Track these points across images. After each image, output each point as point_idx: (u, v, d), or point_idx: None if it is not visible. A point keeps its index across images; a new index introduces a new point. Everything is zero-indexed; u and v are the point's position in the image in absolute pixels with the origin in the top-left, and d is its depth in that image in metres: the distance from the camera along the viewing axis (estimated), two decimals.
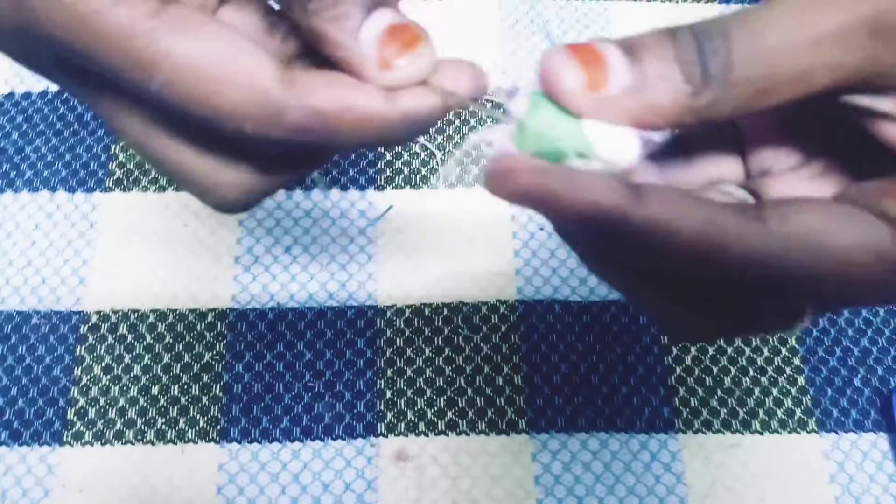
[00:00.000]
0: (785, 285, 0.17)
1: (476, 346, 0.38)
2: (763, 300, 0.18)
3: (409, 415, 0.36)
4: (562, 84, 0.17)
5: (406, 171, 0.42)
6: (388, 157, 0.42)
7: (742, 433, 0.36)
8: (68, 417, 0.36)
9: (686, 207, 0.16)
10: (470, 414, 0.36)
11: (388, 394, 0.37)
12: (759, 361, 0.38)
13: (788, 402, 0.37)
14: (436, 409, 0.36)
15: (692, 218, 0.16)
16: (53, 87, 0.44)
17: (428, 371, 0.37)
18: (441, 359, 0.38)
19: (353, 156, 0.42)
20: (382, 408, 0.36)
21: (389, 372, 0.37)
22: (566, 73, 0.17)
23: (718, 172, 0.20)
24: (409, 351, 0.38)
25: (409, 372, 0.37)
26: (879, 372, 0.38)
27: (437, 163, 0.42)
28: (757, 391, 0.37)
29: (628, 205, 0.16)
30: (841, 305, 0.17)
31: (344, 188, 0.41)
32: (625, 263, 0.18)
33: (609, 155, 0.17)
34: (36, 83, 0.44)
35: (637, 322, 0.38)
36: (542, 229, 0.40)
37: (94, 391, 0.37)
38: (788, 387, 0.37)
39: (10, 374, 0.37)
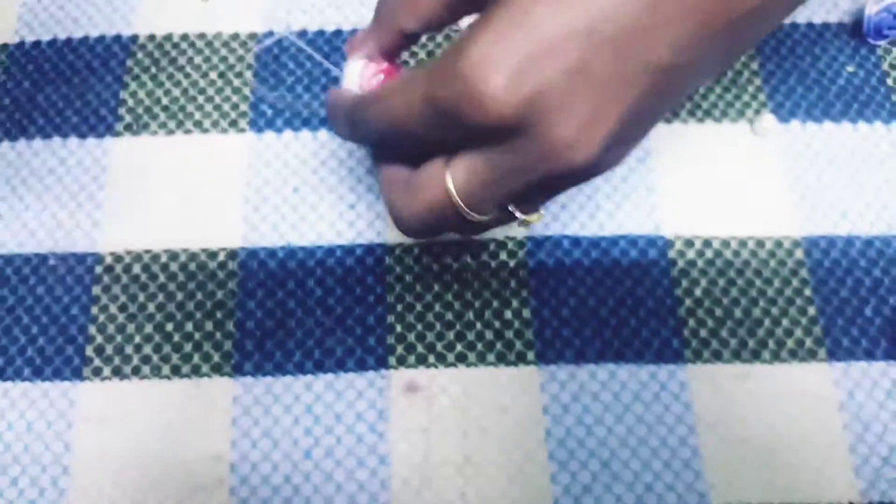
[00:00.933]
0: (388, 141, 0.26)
1: (485, 281, 0.38)
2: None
3: (419, 348, 0.37)
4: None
5: None
6: None
7: (751, 363, 0.36)
8: (87, 354, 0.37)
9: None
10: (479, 346, 0.37)
11: (399, 328, 0.37)
12: (770, 293, 0.38)
13: (798, 333, 0.37)
14: (445, 342, 0.37)
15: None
16: (62, 36, 0.44)
17: (437, 306, 0.38)
18: (450, 294, 0.38)
19: None
20: (393, 341, 0.37)
21: (399, 307, 0.37)
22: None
23: None
24: (418, 287, 0.38)
25: (418, 307, 0.38)
26: (891, 302, 0.37)
27: None
28: (767, 322, 0.37)
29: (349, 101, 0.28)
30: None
31: None
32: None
33: (346, 82, 0.29)
34: (44, 32, 0.44)
35: (646, 256, 0.38)
36: None
37: (110, 329, 0.37)
38: (799, 317, 0.37)
39: (31, 313, 0.38)
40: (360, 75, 0.29)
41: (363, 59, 0.29)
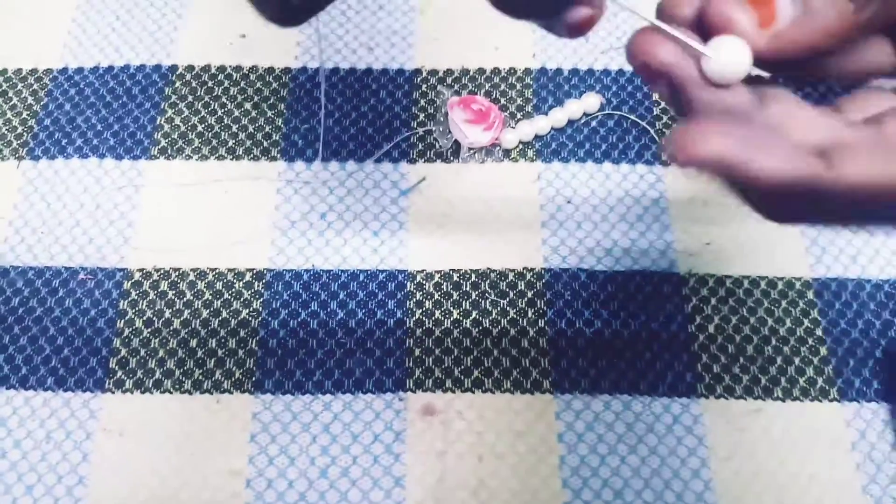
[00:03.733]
0: None
1: (502, 310, 0.39)
2: None
3: (437, 372, 0.37)
4: (735, 25, 0.20)
5: (437, 145, 0.43)
6: (420, 132, 0.44)
7: (764, 399, 0.37)
8: (110, 366, 0.38)
9: None
10: (496, 373, 0.37)
11: (417, 352, 0.38)
12: (782, 332, 0.39)
13: (810, 372, 0.38)
14: (462, 367, 0.37)
15: None
16: (105, 63, 0.46)
17: (455, 332, 0.38)
18: (468, 321, 0.39)
19: (386, 130, 0.44)
20: (411, 365, 0.37)
21: (418, 332, 0.38)
22: (738, 15, 0.20)
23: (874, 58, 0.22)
24: (437, 313, 0.39)
25: (437, 332, 0.38)
26: None
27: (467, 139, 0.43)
28: (779, 360, 0.38)
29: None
30: None
31: (378, 161, 0.43)
32: None
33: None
34: (88, 59, 0.46)
35: (661, 292, 0.39)
36: (569, 202, 0.42)
37: (135, 342, 0.38)
38: (811, 356, 0.38)
39: (57, 324, 0.39)
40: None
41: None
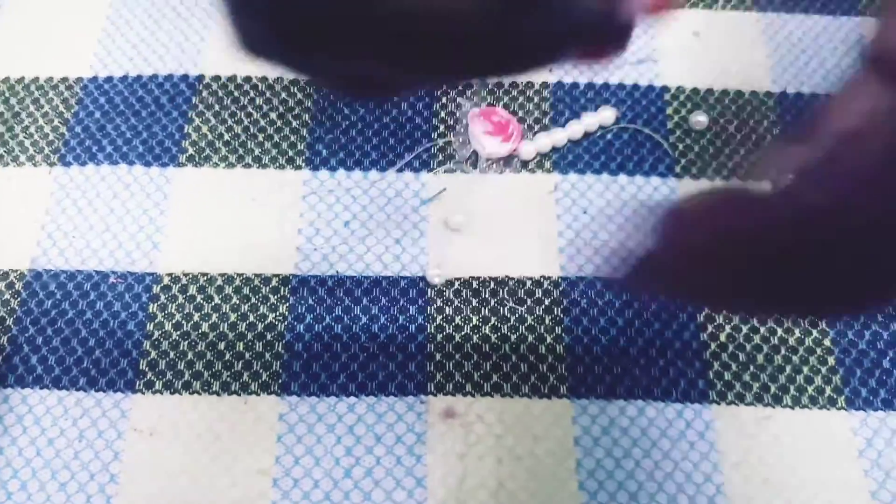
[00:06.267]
0: None
1: (520, 317, 0.40)
2: None
3: (457, 376, 0.39)
4: None
5: (456, 156, 0.44)
6: (441, 143, 0.45)
7: (774, 407, 0.38)
8: (140, 368, 0.39)
9: None
10: (514, 378, 0.39)
11: (438, 356, 0.39)
12: (791, 342, 0.40)
13: (818, 381, 0.39)
14: (482, 372, 0.39)
15: None
16: (133, 72, 0.47)
17: (475, 338, 0.40)
18: (487, 327, 0.40)
19: (408, 141, 0.45)
20: (432, 369, 0.39)
21: (439, 337, 0.40)
22: None
23: None
24: (457, 319, 0.40)
25: (457, 338, 0.40)
26: None
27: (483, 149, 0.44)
28: (788, 369, 0.39)
29: None
30: None
31: (399, 170, 0.44)
32: None
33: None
34: (117, 69, 0.47)
35: (675, 302, 0.41)
36: (584, 212, 0.43)
37: (164, 345, 0.39)
38: (819, 366, 0.39)
39: (89, 327, 0.40)
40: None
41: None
